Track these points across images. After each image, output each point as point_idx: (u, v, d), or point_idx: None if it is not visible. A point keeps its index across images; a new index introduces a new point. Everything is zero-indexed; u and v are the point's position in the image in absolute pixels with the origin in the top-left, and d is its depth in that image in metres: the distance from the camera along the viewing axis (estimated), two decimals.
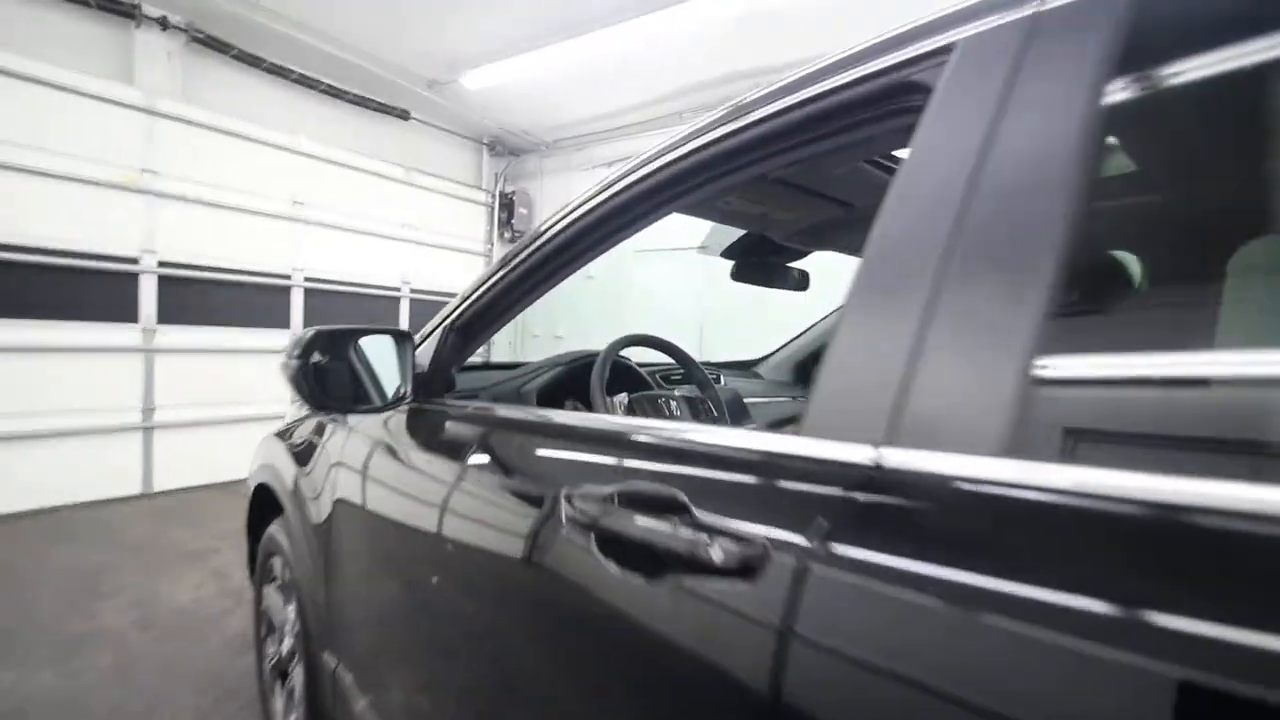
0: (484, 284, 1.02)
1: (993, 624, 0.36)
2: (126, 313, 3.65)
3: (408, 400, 1.05)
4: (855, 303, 0.52)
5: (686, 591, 0.53)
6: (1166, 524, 0.34)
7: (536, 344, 5.91)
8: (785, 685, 0.45)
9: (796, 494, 0.51)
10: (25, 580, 2.50)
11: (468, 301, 1.05)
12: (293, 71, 4.53)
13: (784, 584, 0.46)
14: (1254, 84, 0.42)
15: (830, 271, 1.69)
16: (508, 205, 6.07)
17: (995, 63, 0.49)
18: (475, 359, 1.22)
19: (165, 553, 2.85)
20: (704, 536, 0.53)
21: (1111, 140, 0.58)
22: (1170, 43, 0.44)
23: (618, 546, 0.62)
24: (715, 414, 1.43)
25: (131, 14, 3.73)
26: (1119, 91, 0.43)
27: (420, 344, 1.11)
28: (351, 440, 1.19)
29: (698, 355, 1.56)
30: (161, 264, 3.74)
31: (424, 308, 5.29)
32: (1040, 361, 0.41)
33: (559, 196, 5.78)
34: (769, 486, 0.54)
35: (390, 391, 1.04)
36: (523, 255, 0.95)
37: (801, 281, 1.72)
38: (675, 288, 4.96)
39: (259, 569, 1.58)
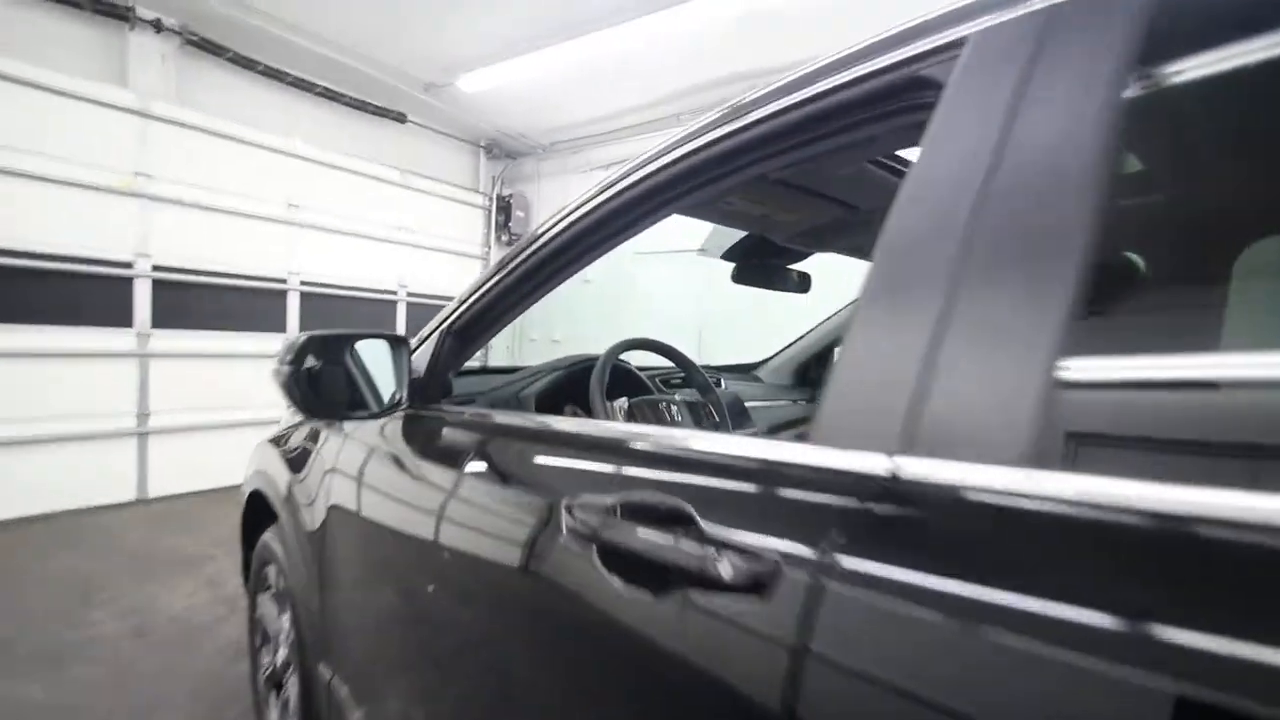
0: (481, 287, 1.00)
1: (1021, 645, 0.34)
2: (120, 317, 3.62)
3: (404, 406, 1.04)
4: (867, 306, 0.51)
5: (694, 608, 0.51)
6: (1205, 539, 0.32)
7: (534, 348, 5.90)
8: (800, 708, 0.43)
9: (809, 505, 0.49)
10: (18, 587, 2.48)
11: (465, 305, 1.03)
12: (288, 74, 4.51)
13: (798, 601, 0.44)
14: None
15: (831, 273, 1.68)
16: (505, 208, 6.06)
17: (1010, 57, 0.47)
18: (472, 363, 1.21)
19: (160, 560, 2.83)
20: (712, 550, 0.51)
21: (1132, 137, 0.56)
22: (1192, 35, 0.42)
23: (621, 560, 0.59)
24: (716, 418, 1.42)
25: (125, 16, 3.70)
26: (1139, 86, 0.41)
27: (416, 349, 1.09)
28: (347, 447, 1.17)
29: (697, 359, 1.54)
30: (156, 268, 3.72)
31: (421, 311, 5.27)
32: (1066, 365, 0.39)
33: (556, 199, 5.76)
34: (780, 497, 0.52)
35: (386, 397, 1.02)
36: (520, 258, 0.94)
37: (803, 284, 1.70)
38: (674, 290, 4.94)
39: (253, 577, 1.56)
